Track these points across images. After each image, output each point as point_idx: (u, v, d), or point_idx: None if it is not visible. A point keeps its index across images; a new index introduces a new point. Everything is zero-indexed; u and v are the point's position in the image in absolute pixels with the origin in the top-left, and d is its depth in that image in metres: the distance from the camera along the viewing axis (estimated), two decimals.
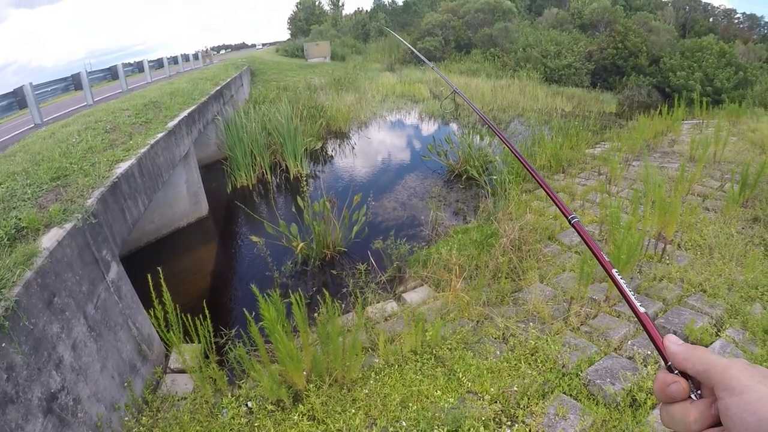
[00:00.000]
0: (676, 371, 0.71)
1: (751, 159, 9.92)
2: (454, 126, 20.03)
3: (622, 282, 0.88)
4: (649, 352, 4.76)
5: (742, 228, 7.47)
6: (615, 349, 4.99)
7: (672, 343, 0.73)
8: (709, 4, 47.50)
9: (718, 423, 0.65)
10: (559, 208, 1.17)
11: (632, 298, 0.84)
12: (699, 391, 0.69)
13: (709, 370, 0.66)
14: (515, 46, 35.56)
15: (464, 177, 12.69)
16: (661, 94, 26.03)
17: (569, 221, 1.12)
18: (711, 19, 46.22)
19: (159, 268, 5.02)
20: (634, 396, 4.20)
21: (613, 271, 0.92)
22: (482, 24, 40.11)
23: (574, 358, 4.82)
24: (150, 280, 4.93)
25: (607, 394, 4.24)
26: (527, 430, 4.00)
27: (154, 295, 4.88)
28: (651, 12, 38.26)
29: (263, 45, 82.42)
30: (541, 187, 1.29)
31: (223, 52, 65.00)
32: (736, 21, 48.35)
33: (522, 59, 33.33)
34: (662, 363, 0.75)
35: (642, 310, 0.81)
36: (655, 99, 24.52)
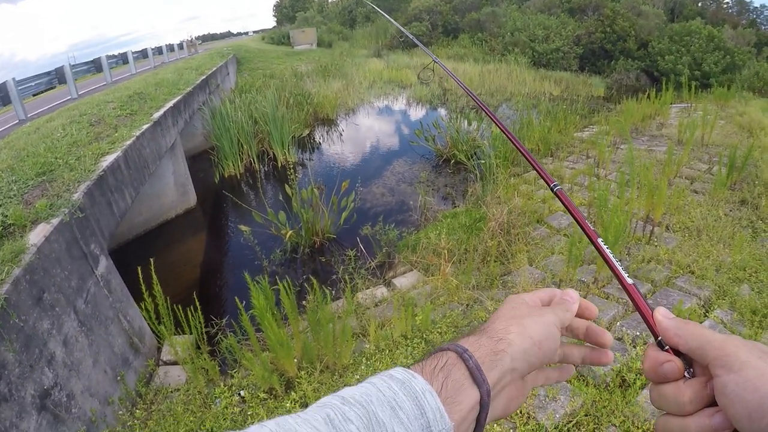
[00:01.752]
0: (667, 347, 0.67)
1: (739, 142, 9.97)
2: (442, 111, 19.99)
3: (608, 252, 0.83)
4: (638, 333, 4.81)
5: (730, 210, 7.53)
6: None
7: (663, 316, 0.69)
8: None
9: (713, 403, 0.61)
10: (542, 176, 1.14)
11: (620, 268, 0.79)
12: (691, 369, 0.65)
13: (704, 347, 0.62)
14: (503, 30, 35.41)
15: (452, 162, 12.69)
16: (650, 78, 26.04)
17: (551, 189, 1.09)
18: (700, 3, 46.13)
19: (151, 259, 5.02)
20: (623, 377, 4.24)
21: (599, 240, 0.86)
22: (470, 8, 39.97)
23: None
24: (140, 273, 4.93)
25: (596, 375, 4.29)
26: (517, 412, 4.04)
27: (144, 288, 4.88)
28: None
29: (255, 32, 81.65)
30: (523, 155, 1.25)
31: (200, 43, 64.03)
32: (725, 5, 48.28)
33: (510, 44, 33.22)
34: (652, 339, 0.70)
35: (630, 281, 0.76)
36: (643, 83, 24.50)
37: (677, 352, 0.67)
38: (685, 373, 0.65)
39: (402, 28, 3.63)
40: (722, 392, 0.57)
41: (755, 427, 0.53)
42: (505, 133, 1.38)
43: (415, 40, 2.87)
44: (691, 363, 0.65)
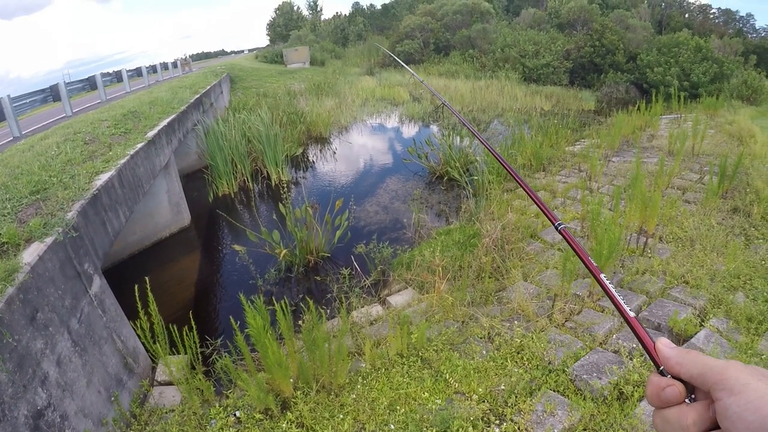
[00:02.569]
0: (669, 376, 0.68)
1: (729, 151, 10.07)
2: (434, 128, 20.08)
3: (611, 286, 0.86)
4: (634, 346, 4.81)
5: (723, 219, 7.57)
6: (600, 343, 5.03)
7: (665, 346, 0.70)
8: (685, 0, 48.00)
9: (715, 427, 0.62)
10: (547, 216, 1.14)
11: (621, 302, 0.81)
12: (693, 395, 0.66)
13: (705, 373, 0.63)
14: (493, 46, 35.70)
15: (445, 178, 12.73)
16: (639, 90, 26.23)
17: (556, 228, 1.10)
18: (687, 15, 46.64)
19: (139, 281, 5.00)
20: (621, 389, 4.24)
21: (602, 276, 0.89)
22: (460, 26, 40.26)
23: (560, 355, 4.86)
24: (137, 291, 4.90)
25: (594, 388, 4.28)
26: (516, 428, 4.03)
27: (140, 306, 4.85)
28: (627, 10, 38.58)
29: (249, 51, 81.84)
30: (528, 195, 1.25)
31: (193, 61, 64.26)
32: (712, 16, 48.84)
33: (500, 60, 33.48)
34: (655, 368, 0.72)
35: (632, 314, 0.78)
36: (633, 95, 24.73)
37: (680, 380, 0.68)
38: (687, 399, 0.66)
39: (401, 62, 3.66)
40: (724, 414, 0.58)
41: None
42: (507, 170, 1.38)
43: (425, 83, 2.89)
44: (693, 390, 0.66)
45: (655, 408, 0.70)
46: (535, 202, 1.21)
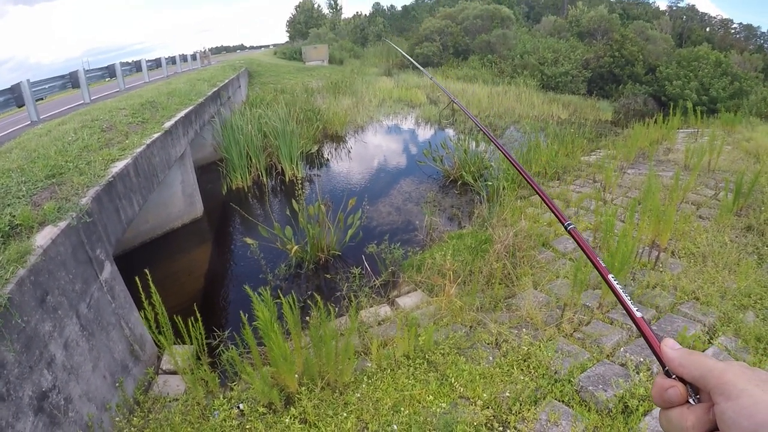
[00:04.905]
0: (674, 376, 0.70)
1: (746, 168, 9.96)
2: (450, 131, 20.04)
3: (618, 287, 0.87)
4: (641, 359, 4.78)
5: (736, 236, 7.50)
6: (607, 355, 5.00)
7: (669, 347, 0.72)
8: (706, 13, 47.83)
9: (716, 427, 0.63)
10: (555, 215, 1.16)
11: (629, 302, 0.83)
12: (698, 396, 0.68)
13: (706, 375, 0.65)
14: (513, 53, 35.68)
15: (459, 183, 12.70)
16: (657, 102, 26.13)
17: (565, 228, 1.11)
18: (708, 29, 46.42)
19: (147, 270, 5.02)
20: (626, 403, 4.20)
21: (609, 276, 0.91)
22: (480, 30, 40.24)
23: (567, 365, 4.83)
24: (144, 280, 4.92)
25: (599, 400, 4.25)
26: None
27: (143, 297, 4.87)
28: (648, 21, 38.48)
29: (268, 47, 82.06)
30: (538, 194, 1.27)
31: (212, 54, 64.53)
32: (733, 31, 48.57)
33: (519, 66, 33.44)
34: (660, 368, 0.74)
35: (639, 315, 0.80)
36: (650, 107, 24.60)
37: (685, 381, 0.70)
38: (690, 400, 0.69)
39: (417, 64, 3.65)
40: (721, 418, 0.61)
41: None
42: (520, 173, 1.38)
43: (440, 86, 2.88)
44: (698, 390, 0.68)
45: (660, 408, 0.72)
46: (545, 202, 1.23)
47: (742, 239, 7.42)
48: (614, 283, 0.89)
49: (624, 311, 0.73)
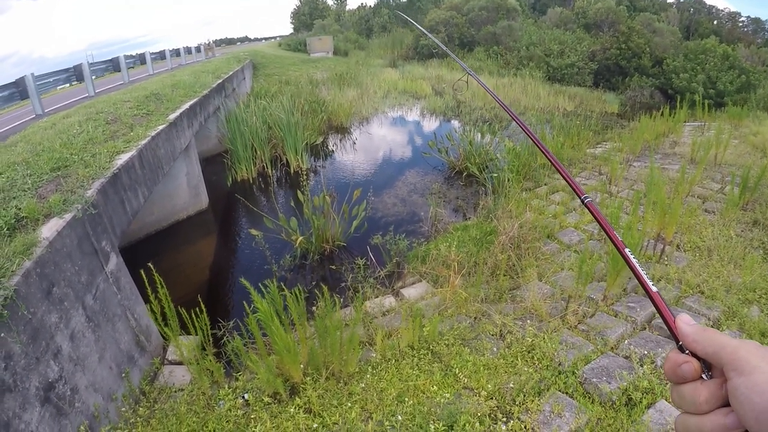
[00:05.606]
0: (687, 351, 0.70)
1: (752, 162, 9.93)
2: (455, 123, 19.98)
3: (635, 261, 0.88)
4: (645, 352, 4.78)
5: (742, 231, 7.47)
6: (612, 348, 5.00)
7: (684, 323, 0.72)
8: (714, 6, 47.42)
9: (728, 403, 0.64)
10: (573, 189, 1.14)
11: (645, 277, 0.84)
12: (710, 372, 0.68)
13: (719, 351, 0.65)
14: (518, 44, 35.45)
15: (465, 174, 12.69)
16: (664, 95, 25.96)
17: (582, 201, 1.10)
18: (715, 22, 46.09)
19: (153, 261, 5.04)
20: (629, 395, 4.20)
21: (626, 251, 0.91)
22: (486, 22, 40.04)
23: (571, 356, 4.83)
24: (150, 272, 4.94)
25: (602, 392, 4.25)
26: (522, 426, 4.01)
27: (149, 289, 4.89)
28: (655, 13, 38.24)
29: (274, 38, 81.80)
30: (555, 167, 1.26)
31: (217, 47, 64.39)
32: (741, 24, 48.20)
33: (525, 58, 33.23)
34: (674, 344, 0.74)
35: (654, 289, 0.81)
36: (657, 100, 24.42)
37: (698, 357, 0.69)
38: (703, 375, 0.68)
39: (440, 44, 3.63)
40: (733, 394, 0.61)
41: (762, 428, 0.57)
42: (539, 147, 1.37)
43: (456, 59, 2.87)
44: (710, 367, 0.68)
45: (672, 384, 0.72)
46: (563, 176, 1.22)
47: (747, 234, 7.38)
48: (630, 257, 0.89)
49: (641, 290, 0.72)
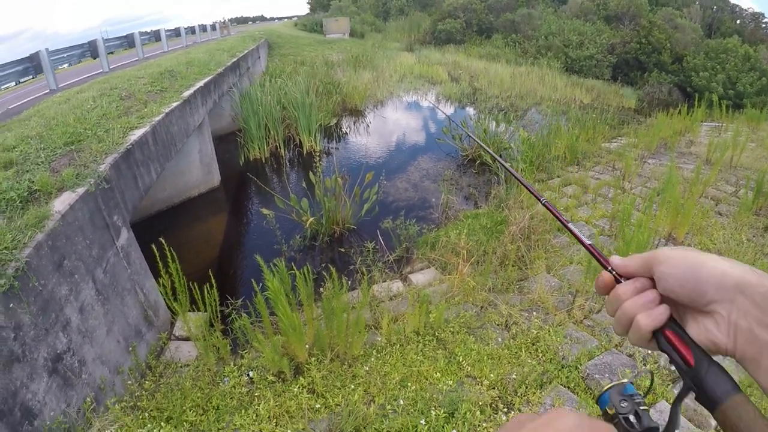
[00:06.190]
0: (623, 279, 0.80)
1: None
2: (470, 110, 19.87)
3: (574, 229, 1.00)
4: (649, 351, 4.76)
5: (753, 236, 7.40)
6: (616, 345, 5.00)
7: (615, 258, 0.82)
8: (737, 5, 46.58)
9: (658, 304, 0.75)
10: (531, 193, 1.26)
11: (576, 231, 0.98)
12: (622, 278, 0.80)
13: (643, 263, 0.77)
14: (537, 33, 35.12)
15: (477, 162, 12.64)
16: (682, 93, 25.66)
17: (541, 202, 1.19)
18: (738, 21, 45.32)
19: (164, 237, 5.07)
20: None
21: (570, 225, 1.03)
22: (505, 9, 39.72)
23: (575, 351, 4.84)
24: (161, 248, 4.97)
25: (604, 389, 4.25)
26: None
27: (160, 265, 4.92)
28: (677, 9, 37.66)
29: (288, 18, 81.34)
30: (512, 174, 1.39)
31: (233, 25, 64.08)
32: (764, 26, 47.39)
33: (543, 47, 32.94)
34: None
35: (588, 242, 0.92)
36: (675, 98, 24.14)
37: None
38: (621, 280, 0.80)
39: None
40: (661, 277, 0.74)
41: (686, 290, 0.71)
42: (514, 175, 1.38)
43: (522, 181, 2.85)
44: (623, 278, 0.80)
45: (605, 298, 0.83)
46: (520, 182, 1.35)
47: (759, 239, 7.31)
48: (573, 227, 1.01)
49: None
